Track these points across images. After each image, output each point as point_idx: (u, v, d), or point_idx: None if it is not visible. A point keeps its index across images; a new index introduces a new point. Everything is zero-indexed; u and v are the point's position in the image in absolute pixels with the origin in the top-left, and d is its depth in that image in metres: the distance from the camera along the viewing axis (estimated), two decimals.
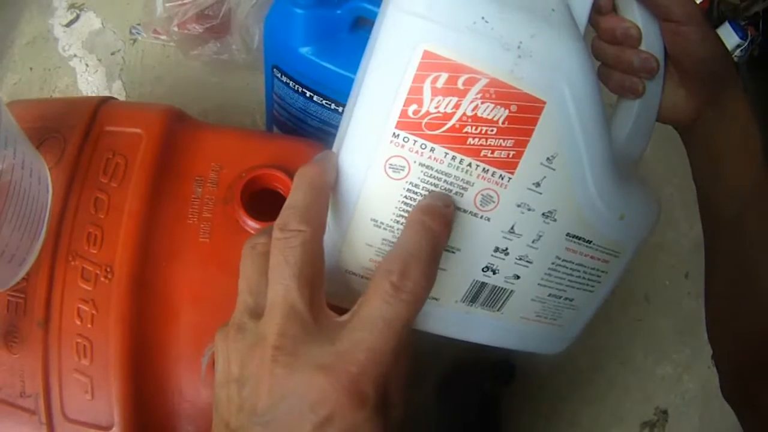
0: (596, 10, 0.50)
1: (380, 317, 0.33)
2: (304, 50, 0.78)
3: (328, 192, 0.38)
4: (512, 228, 0.41)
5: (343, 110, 0.81)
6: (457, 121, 0.36)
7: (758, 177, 0.55)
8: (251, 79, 1.18)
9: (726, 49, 0.53)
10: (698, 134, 0.57)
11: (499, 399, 1.26)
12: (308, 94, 0.83)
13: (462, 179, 0.38)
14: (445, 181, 0.38)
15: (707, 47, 0.50)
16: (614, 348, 1.38)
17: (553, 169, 0.40)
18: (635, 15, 0.50)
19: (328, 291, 0.40)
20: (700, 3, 1.46)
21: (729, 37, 1.46)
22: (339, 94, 0.80)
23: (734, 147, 0.55)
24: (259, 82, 0.94)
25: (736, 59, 1.46)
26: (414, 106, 0.36)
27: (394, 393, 0.35)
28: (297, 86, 0.84)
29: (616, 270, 0.50)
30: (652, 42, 0.51)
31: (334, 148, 0.40)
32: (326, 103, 0.83)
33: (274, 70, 0.85)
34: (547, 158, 0.39)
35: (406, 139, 0.36)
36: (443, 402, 1.24)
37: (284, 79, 0.84)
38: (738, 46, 1.47)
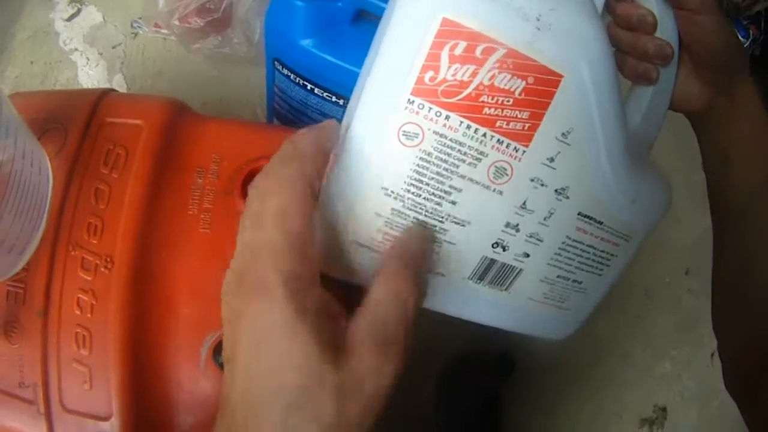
0: None
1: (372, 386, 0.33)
2: (305, 42, 0.78)
3: (327, 147, 0.38)
4: (524, 203, 0.41)
5: (344, 102, 0.81)
6: (473, 89, 0.36)
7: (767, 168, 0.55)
8: (252, 72, 1.18)
9: (739, 40, 0.54)
10: (709, 124, 0.57)
11: (500, 393, 1.26)
12: (309, 86, 0.83)
13: (476, 149, 0.38)
14: (458, 150, 0.38)
15: (721, 37, 0.51)
16: (614, 343, 1.38)
17: (568, 145, 0.40)
18: (651, 2, 0.50)
19: (334, 264, 0.40)
20: None
21: None
22: (340, 86, 0.80)
23: (745, 137, 0.55)
24: (260, 76, 0.94)
25: None
26: (431, 73, 0.36)
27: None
28: (298, 78, 0.84)
29: (625, 254, 0.50)
30: (667, 29, 0.51)
31: (344, 123, 0.39)
32: (327, 95, 0.83)
33: (275, 62, 0.85)
34: (563, 133, 0.39)
35: (421, 106, 0.36)
36: (444, 395, 1.25)
37: (285, 71, 0.84)
38: None
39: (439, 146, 0.37)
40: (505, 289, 0.46)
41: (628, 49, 0.52)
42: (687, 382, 1.42)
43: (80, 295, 0.57)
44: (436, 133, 0.37)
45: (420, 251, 0.39)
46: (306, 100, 0.87)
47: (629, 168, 0.44)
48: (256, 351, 0.32)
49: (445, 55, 0.35)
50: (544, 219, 0.42)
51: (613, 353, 1.39)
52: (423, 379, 1.26)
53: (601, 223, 0.45)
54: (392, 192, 0.39)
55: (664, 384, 1.42)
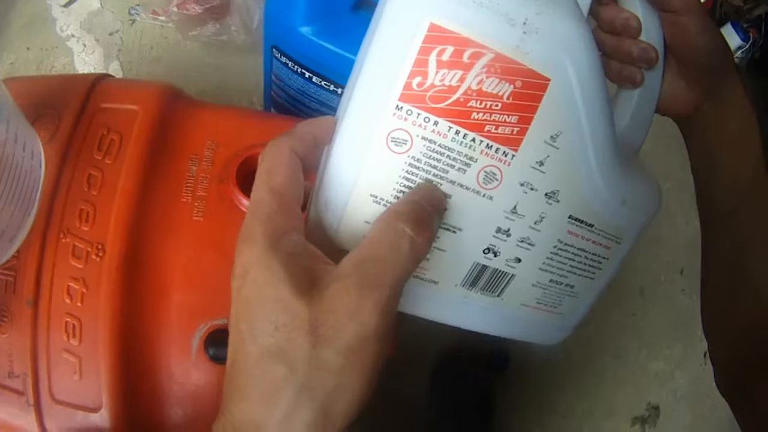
0: (597, 1, 0.51)
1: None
2: (305, 30, 0.77)
3: (319, 136, 0.39)
4: (515, 208, 0.41)
5: (342, 91, 0.80)
6: (461, 94, 0.36)
7: (755, 170, 0.55)
8: (250, 60, 1.17)
9: (725, 41, 0.53)
10: (696, 126, 0.57)
11: (494, 388, 1.27)
12: (307, 74, 0.83)
13: (465, 155, 0.38)
14: (447, 156, 0.37)
15: (706, 38, 0.51)
16: (607, 341, 1.39)
17: (557, 148, 0.39)
18: (635, 5, 0.50)
19: None
20: (703, 3, 1.46)
21: (731, 38, 1.47)
22: (338, 75, 0.80)
23: (732, 139, 0.55)
24: (258, 64, 0.93)
25: (737, 61, 1.47)
26: (418, 79, 0.35)
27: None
28: (296, 66, 0.83)
29: (616, 257, 0.49)
30: (651, 33, 0.51)
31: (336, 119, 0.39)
32: (325, 84, 0.82)
33: (274, 50, 0.84)
34: (551, 136, 0.39)
35: (409, 112, 0.36)
36: (437, 389, 1.25)
37: (283, 59, 0.83)
38: (739, 47, 1.49)
39: (428, 152, 0.37)
40: (498, 296, 0.46)
41: (613, 53, 0.52)
42: (680, 380, 1.43)
43: (70, 284, 0.56)
44: (424, 139, 0.37)
45: (429, 199, 0.37)
46: (304, 89, 0.86)
47: (618, 170, 0.44)
48: (241, 281, 0.33)
49: (432, 60, 0.35)
50: (535, 223, 0.42)
51: (606, 351, 1.40)
52: (417, 371, 1.26)
53: (591, 225, 0.45)
54: (381, 199, 0.38)
55: (657, 382, 1.43)
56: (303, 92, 0.87)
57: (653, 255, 1.44)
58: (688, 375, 1.43)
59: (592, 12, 0.51)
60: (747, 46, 1.50)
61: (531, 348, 1.32)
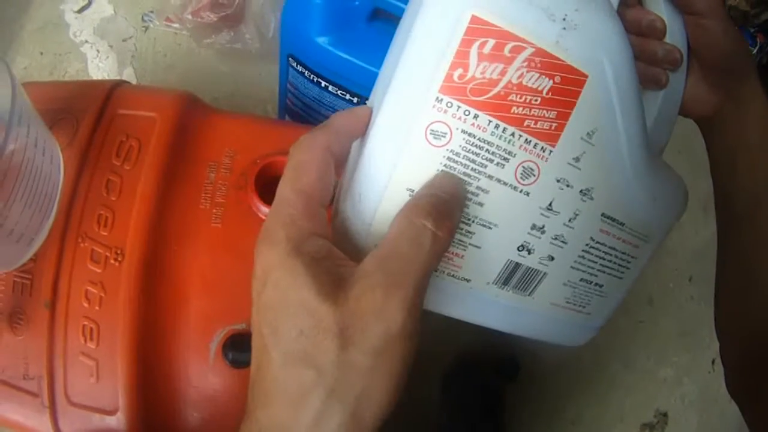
0: (623, 2, 0.50)
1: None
2: (321, 40, 0.78)
3: (355, 127, 0.38)
4: (550, 204, 0.40)
5: (358, 101, 0.81)
6: (502, 88, 0.35)
7: None
8: (264, 68, 1.18)
9: (747, 44, 0.54)
10: (717, 128, 0.57)
11: (504, 394, 1.26)
12: (323, 84, 0.83)
13: (504, 149, 0.37)
14: (486, 150, 0.37)
15: (728, 41, 0.51)
16: (617, 348, 1.39)
17: (593, 145, 0.39)
18: (660, 7, 0.51)
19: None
20: None
21: None
22: (355, 84, 0.80)
23: (752, 142, 0.55)
24: (272, 72, 0.94)
25: None
26: (459, 71, 0.35)
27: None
28: (312, 76, 0.83)
29: (644, 256, 0.49)
30: (676, 35, 0.51)
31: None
32: (341, 93, 0.82)
33: (290, 59, 0.85)
34: (587, 133, 0.39)
35: (449, 105, 0.36)
36: (448, 394, 1.24)
37: (299, 68, 0.84)
38: None
39: (467, 146, 0.37)
40: (529, 294, 0.45)
41: (638, 54, 0.52)
42: (688, 387, 1.43)
43: (89, 288, 0.57)
44: (464, 132, 0.36)
45: (447, 188, 0.37)
46: (320, 98, 0.87)
47: (649, 168, 0.44)
48: (262, 285, 0.33)
49: (474, 52, 0.35)
50: (569, 220, 0.42)
51: (615, 358, 1.40)
52: (427, 378, 1.26)
53: (623, 224, 0.45)
54: None
55: (665, 389, 1.42)
56: (319, 101, 0.87)
57: (662, 263, 1.44)
58: (696, 382, 1.43)
59: (618, 13, 0.52)
60: (755, 51, 1.50)
61: (541, 355, 1.32)
